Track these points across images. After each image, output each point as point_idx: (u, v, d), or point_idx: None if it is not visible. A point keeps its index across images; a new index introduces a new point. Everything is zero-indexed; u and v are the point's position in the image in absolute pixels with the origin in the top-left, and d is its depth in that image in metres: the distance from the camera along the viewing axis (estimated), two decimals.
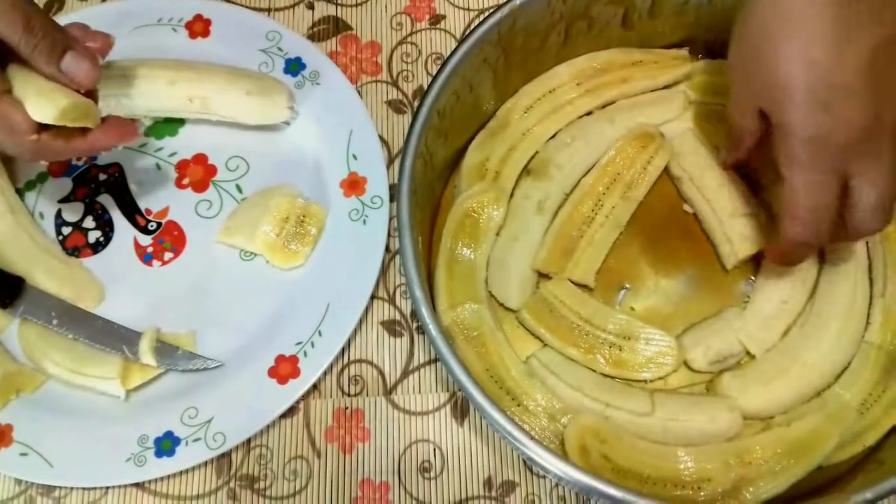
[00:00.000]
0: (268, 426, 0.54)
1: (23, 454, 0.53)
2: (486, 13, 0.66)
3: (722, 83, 0.61)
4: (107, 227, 0.61)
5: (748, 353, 0.54)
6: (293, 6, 0.67)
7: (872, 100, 0.45)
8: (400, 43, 0.66)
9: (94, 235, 0.61)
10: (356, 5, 0.67)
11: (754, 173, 0.58)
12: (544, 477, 0.54)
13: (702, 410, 0.52)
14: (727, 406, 0.52)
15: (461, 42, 0.54)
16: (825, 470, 0.51)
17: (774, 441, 0.51)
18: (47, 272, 0.58)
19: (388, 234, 0.59)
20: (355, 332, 0.57)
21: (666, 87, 0.62)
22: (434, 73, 0.65)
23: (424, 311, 0.48)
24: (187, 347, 0.57)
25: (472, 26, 0.65)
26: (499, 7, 0.55)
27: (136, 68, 0.58)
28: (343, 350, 0.57)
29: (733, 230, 0.56)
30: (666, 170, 0.60)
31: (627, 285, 0.58)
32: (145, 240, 0.60)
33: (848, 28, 0.44)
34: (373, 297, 0.58)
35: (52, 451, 0.54)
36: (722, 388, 0.53)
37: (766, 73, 0.47)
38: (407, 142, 0.52)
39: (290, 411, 0.55)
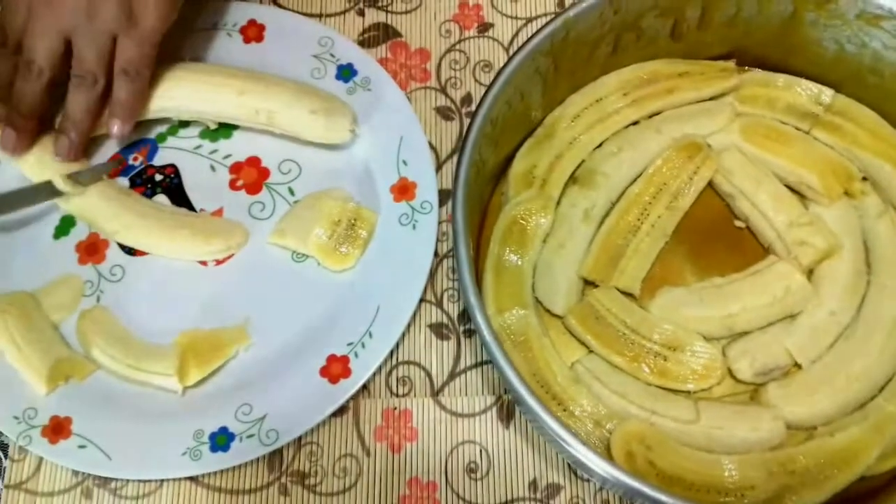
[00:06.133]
0: (319, 424, 0.56)
1: (81, 446, 0.55)
2: (535, 22, 0.68)
3: (770, 95, 0.61)
4: None
5: (795, 364, 0.55)
6: (344, 12, 0.69)
7: None
8: (448, 50, 0.67)
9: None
10: (406, 12, 0.69)
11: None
12: (588, 480, 0.55)
13: (746, 419, 0.53)
14: (771, 416, 0.53)
15: (516, 52, 0.55)
16: (867, 480, 0.52)
17: (817, 451, 0.52)
18: (190, 229, 0.61)
19: (437, 239, 0.60)
20: (403, 334, 0.58)
21: (712, 98, 0.62)
22: (481, 80, 0.67)
23: (479, 317, 0.49)
24: (240, 340, 0.58)
25: (525, 36, 0.66)
26: (553, 18, 0.56)
27: (210, 74, 0.61)
28: (391, 351, 0.58)
29: (792, 240, 0.57)
30: (712, 185, 0.60)
31: None
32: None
33: None
34: (421, 300, 0.59)
35: (109, 443, 0.55)
36: (767, 397, 0.54)
37: None
38: (462, 150, 0.53)
39: (341, 410, 0.57)
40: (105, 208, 0.61)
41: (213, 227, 0.61)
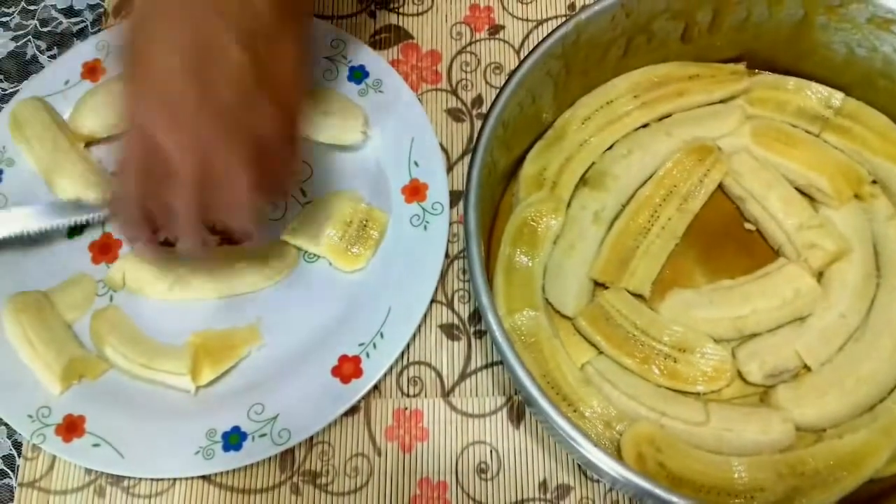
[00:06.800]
0: (330, 424, 0.56)
1: (95, 445, 0.55)
2: (546, 24, 0.69)
3: (780, 98, 0.62)
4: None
5: (804, 366, 0.55)
6: (356, 14, 0.69)
7: (187, 81, 0.43)
8: (459, 52, 0.68)
9: (162, 234, 0.62)
10: (417, 14, 0.69)
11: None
12: (598, 481, 0.56)
13: (755, 421, 0.53)
14: (780, 418, 0.53)
15: (528, 55, 0.55)
16: (876, 483, 0.52)
17: (827, 453, 0.52)
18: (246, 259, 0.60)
19: (448, 240, 0.60)
20: (414, 334, 0.58)
21: (722, 101, 0.62)
22: (492, 82, 0.67)
23: (491, 318, 0.49)
24: (252, 340, 0.59)
25: (536, 39, 0.67)
26: (565, 21, 0.56)
27: None
28: (402, 352, 0.58)
29: (802, 243, 0.57)
30: (722, 188, 0.61)
31: None
32: (212, 239, 0.62)
33: (193, 10, 0.43)
34: (431, 300, 0.59)
35: (123, 442, 0.55)
36: (776, 399, 0.54)
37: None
38: (474, 152, 0.53)
39: (352, 410, 0.57)
40: (149, 271, 0.60)
41: (262, 251, 0.61)
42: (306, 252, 0.61)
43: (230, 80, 0.43)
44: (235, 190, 0.45)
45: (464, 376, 0.59)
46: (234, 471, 0.56)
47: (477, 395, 0.58)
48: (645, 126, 0.62)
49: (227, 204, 0.46)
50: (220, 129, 0.44)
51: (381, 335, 0.57)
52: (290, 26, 0.46)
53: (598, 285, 0.59)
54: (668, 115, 0.62)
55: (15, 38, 0.71)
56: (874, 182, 0.60)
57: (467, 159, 0.58)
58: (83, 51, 0.67)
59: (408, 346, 0.58)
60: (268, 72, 0.45)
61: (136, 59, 0.45)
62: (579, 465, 0.56)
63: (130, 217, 0.47)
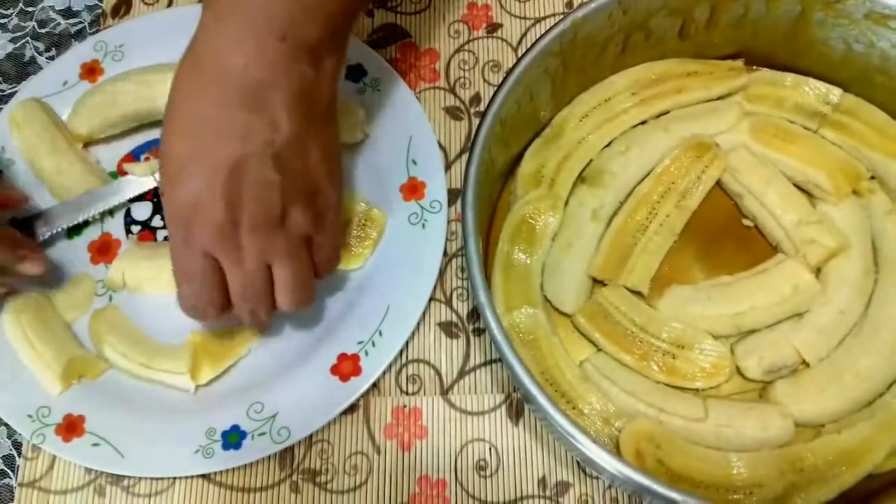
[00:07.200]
0: (329, 422, 0.56)
1: (95, 444, 0.56)
2: (544, 22, 0.69)
3: (778, 94, 0.62)
4: None
5: (803, 361, 0.55)
6: None
7: (224, 206, 0.47)
8: (457, 50, 0.68)
9: (162, 234, 0.63)
10: (415, 13, 0.69)
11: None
12: (597, 478, 0.56)
13: (754, 417, 0.53)
14: (779, 413, 0.53)
15: (525, 52, 0.55)
16: (876, 478, 0.52)
17: (826, 448, 0.52)
18: None
19: (446, 238, 0.60)
20: (413, 332, 0.59)
21: (720, 97, 0.63)
22: (490, 80, 0.67)
23: (489, 316, 0.49)
24: (251, 339, 0.59)
25: (534, 37, 0.66)
26: (562, 18, 0.56)
27: None
28: (401, 350, 0.58)
29: (801, 239, 0.57)
30: (721, 185, 0.61)
31: None
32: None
33: (219, 135, 0.47)
34: (430, 298, 0.59)
35: (122, 441, 0.56)
36: (775, 395, 0.54)
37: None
38: (471, 150, 0.53)
39: (351, 408, 0.57)
40: (147, 268, 0.60)
41: None
42: None
43: (265, 199, 0.48)
44: (279, 285, 0.51)
45: (462, 374, 0.59)
46: (233, 469, 0.56)
47: (476, 392, 0.58)
48: (643, 123, 0.62)
49: (278, 297, 0.52)
50: (260, 243, 0.49)
51: (380, 333, 0.58)
52: (313, 127, 0.49)
53: (597, 282, 0.59)
54: (665, 112, 0.62)
55: (13, 40, 0.71)
56: (872, 178, 0.60)
57: (465, 157, 0.58)
58: (81, 52, 0.67)
59: (406, 344, 0.58)
60: (298, 182, 0.49)
61: (176, 184, 0.48)
62: (578, 462, 0.56)
63: (204, 313, 0.52)
